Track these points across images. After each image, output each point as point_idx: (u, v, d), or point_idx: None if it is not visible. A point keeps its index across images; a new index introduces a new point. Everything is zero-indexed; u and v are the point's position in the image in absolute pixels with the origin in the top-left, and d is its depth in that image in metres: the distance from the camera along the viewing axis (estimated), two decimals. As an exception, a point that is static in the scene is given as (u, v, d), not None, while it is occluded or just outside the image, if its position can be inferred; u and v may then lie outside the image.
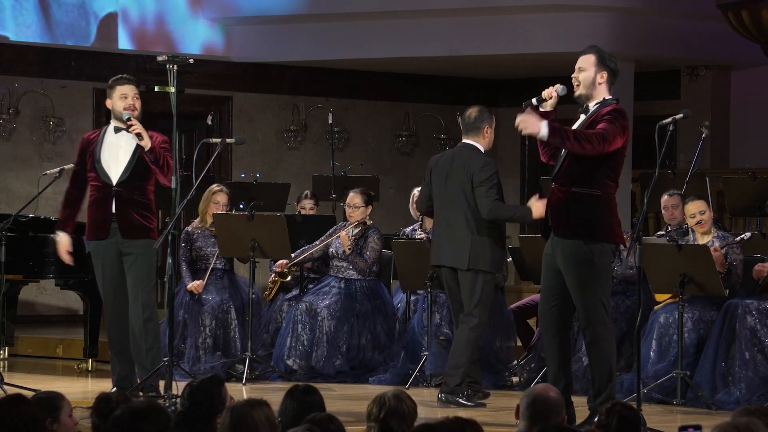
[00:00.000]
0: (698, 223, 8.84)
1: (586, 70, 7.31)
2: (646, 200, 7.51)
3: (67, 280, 10.20)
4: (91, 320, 10.09)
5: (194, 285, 9.83)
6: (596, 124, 7.19)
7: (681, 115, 7.38)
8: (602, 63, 7.32)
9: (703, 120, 12.09)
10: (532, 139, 7.56)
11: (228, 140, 8.74)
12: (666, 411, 8.22)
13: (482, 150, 8.36)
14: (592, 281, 7.22)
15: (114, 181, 8.21)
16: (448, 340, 9.27)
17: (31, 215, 10.34)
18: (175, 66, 8.00)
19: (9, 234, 8.77)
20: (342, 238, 9.73)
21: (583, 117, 7.35)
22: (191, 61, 8.19)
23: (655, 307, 8.90)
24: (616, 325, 9.11)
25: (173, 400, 7.60)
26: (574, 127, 7.33)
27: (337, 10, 13.80)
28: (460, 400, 8.19)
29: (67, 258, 8.40)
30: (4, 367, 9.41)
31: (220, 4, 14.13)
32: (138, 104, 8.22)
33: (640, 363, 7.37)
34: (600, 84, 7.32)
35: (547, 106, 7.40)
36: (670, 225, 9.59)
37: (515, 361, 9.57)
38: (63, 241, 8.39)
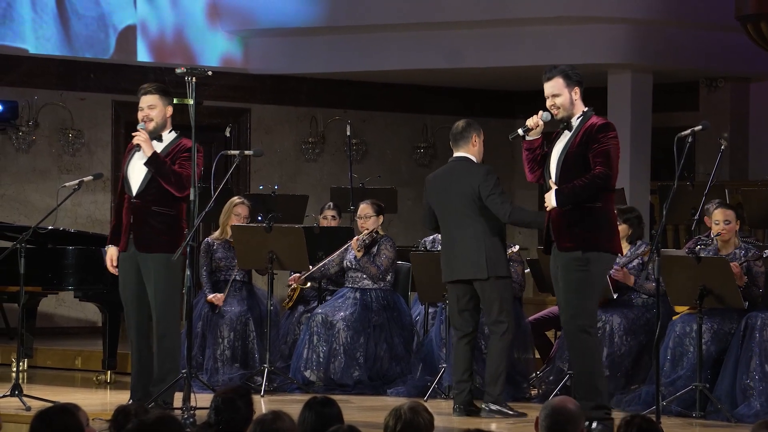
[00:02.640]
0: (718, 234, 8.80)
1: (561, 94, 7.50)
2: (665, 212, 7.50)
3: (86, 291, 10.22)
4: (109, 332, 10.10)
5: (216, 297, 9.85)
6: (590, 141, 7.33)
7: (700, 127, 7.38)
8: (571, 81, 7.52)
9: (722, 132, 12.04)
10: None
11: (246, 152, 8.76)
12: (685, 424, 8.19)
13: (476, 160, 8.39)
14: (581, 288, 7.33)
15: (134, 193, 8.22)
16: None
17: (50, 227, 10.37)
18: (194, 78, 8.02)
19: (28, 246, 8.80)
20: (352, 244, 9.80)
21: (567, 134, 7.47)
22: (210, 73, 8.21)
23: (674, 317, 8.87)
24: (635, 337, 9.09)
25: (191, 411, 7.60)
26: (560, 144, 7.46)
27: (355, 22, 13.81)
28: (507, 411, 8.25)
29: (112, 270, 8.36)
30: (23, 378, 9.43)
31: (238, 17, 14.17)
32: (153, 113, 8.21)
33: (659, 376, 7.36)
34: (576, 100, 7.51)
35: (534, 134, 7.61)
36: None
37: (534, 374, 9.55)
38: (108, 253, 8.37)
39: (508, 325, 8.31)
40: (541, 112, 7.56)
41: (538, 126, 7.56)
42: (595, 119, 7.44)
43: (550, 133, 7.62)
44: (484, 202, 8.25)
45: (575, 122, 7.47)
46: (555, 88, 7.50)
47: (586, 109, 7.50)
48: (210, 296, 9.87)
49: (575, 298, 7.38)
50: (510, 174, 15.28)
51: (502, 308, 8.30)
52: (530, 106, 15.00)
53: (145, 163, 8.10)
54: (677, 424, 8.14)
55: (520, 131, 7.60)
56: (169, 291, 8.15)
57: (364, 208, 9.97)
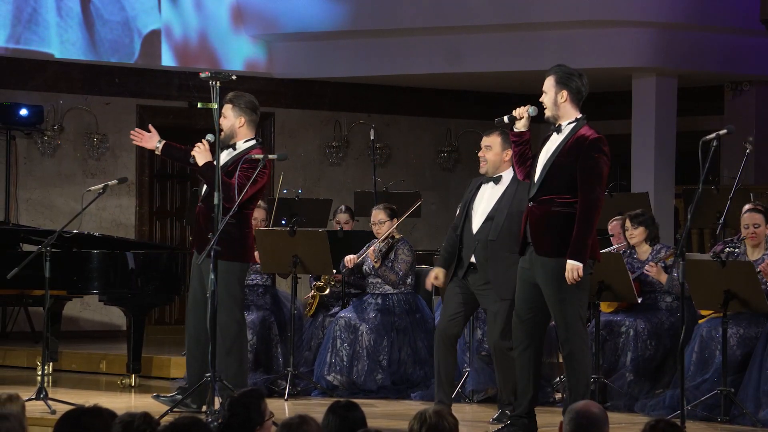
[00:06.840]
0: (746, 237, 8.78)
1: (548, 92, 7.48)
2: (689, 216, 7.48)
3: (110, 295, 10.25)
4: (134, 336, 10.13)
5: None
6: (582, 155, 7.26)
7: (725, 131, 7.36)
8: (561, 83, 7.45)
9: (747, 135, 12.02)
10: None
11: (270, 156, 8.76)
12: (710, 428, 8.17)
13: None
14: (572, 296, 7.32)
15: (201, 197, 8.38)
16: (489, 355, 9.25)
17: (75, 231, 10.41)
18: (218, 82, 8.04)
19: (53, 250, 8.83)
20: (369, 254, 9.80)
21: (556, 136, 7.41)
22: (234, 77, 8.23)
23: (699, 321, 8.85)
24: (660, 341, 9.07)
25: (215, 415, 7.62)
26: (549, 147, 7.39)
27: (379, 26, 13.82)
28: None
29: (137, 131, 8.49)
30: (48, 382, 9.46)
31: (262, 21, 14.20)
32: (224, 123, 8.32)
33: (683, 380, 7.34)
34: (562, 103, 7.44)
35: (520, 126, 7.52)
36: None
37: (558, 378, 9.53)
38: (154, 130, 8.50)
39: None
40: (529, 106, 7.52)
41: (522, 117, 7.48)
42: (587, 131, 7.36)
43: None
44: None
45: (565, 126, 7.42)
46: (545, 85, 7.50)
47: (579, 115, 7.41)
48: None
49: (566, 307, 7.40)
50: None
51: None
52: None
53: (198, 175, 8.21)
54: (702, 428, 8.11)
55: (505, 118, 7.57)
56: (226, 297, 8.13)
57: (377, 213, 9.92)
